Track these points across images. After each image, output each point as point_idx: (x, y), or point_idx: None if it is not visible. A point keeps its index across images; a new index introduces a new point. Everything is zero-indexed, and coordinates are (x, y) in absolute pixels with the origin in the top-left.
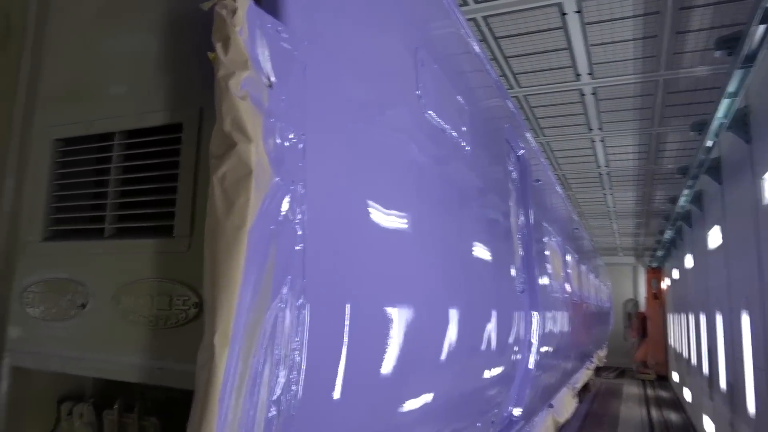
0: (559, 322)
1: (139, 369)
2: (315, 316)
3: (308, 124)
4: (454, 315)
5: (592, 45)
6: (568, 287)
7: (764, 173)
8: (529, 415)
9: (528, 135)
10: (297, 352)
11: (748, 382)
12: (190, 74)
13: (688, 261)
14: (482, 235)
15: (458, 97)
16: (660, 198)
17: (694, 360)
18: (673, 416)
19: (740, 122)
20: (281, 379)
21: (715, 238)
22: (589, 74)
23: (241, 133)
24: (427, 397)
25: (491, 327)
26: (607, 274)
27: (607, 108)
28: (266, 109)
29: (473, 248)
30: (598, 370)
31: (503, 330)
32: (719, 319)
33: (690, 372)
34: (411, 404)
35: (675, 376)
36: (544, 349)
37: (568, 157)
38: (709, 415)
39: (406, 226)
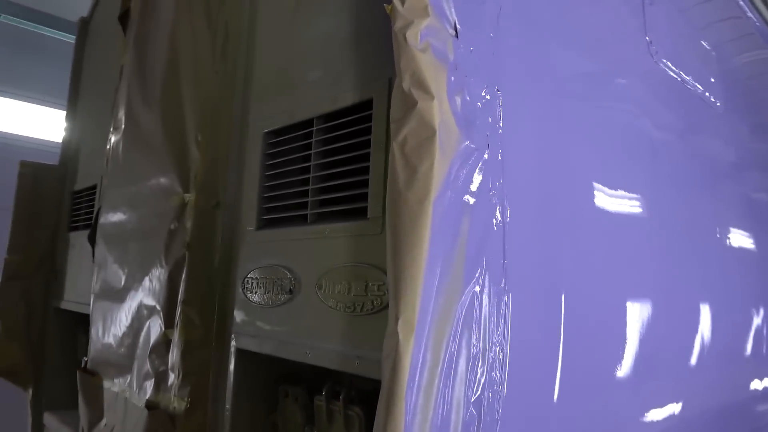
0: None
1: (341, 357)
2: (519, 306)
3: (506, 80)
4: (699, 314)
5: None
6: None
7: None
8: None
9: None
10: (499, 347)
11: None
12: (377, 46)
13: None
14: (740, 220)
15: (703, 42)
16: None
17: None
18: None
19: None
20: (481, 377)
21: None
22: None
23: (422, 90)
24: (665, 410)
25: (755, 329)
26: None
27: None
28: (452, 61)
29: (727, 236)
30: None
31: None
32: None
33: None
34: (643, 417)
35: None
36: None
37: None
38: None
39: (634, 207)
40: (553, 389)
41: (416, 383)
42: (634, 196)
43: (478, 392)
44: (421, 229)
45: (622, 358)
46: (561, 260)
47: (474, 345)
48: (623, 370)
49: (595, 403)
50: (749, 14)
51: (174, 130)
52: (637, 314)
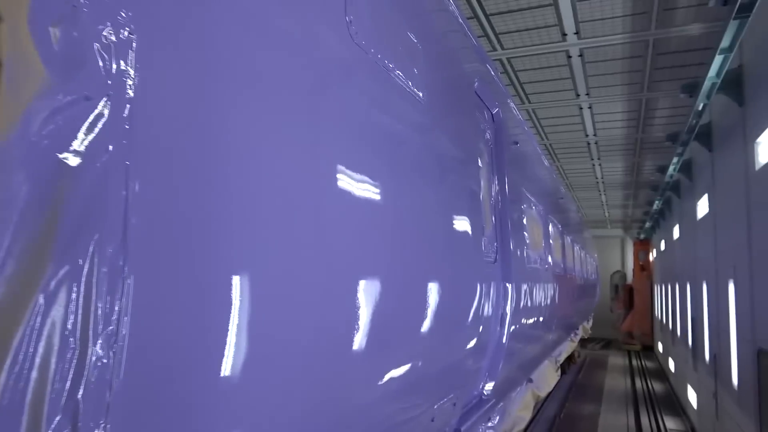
0: (539, 293)
1: None
2: (150, 287)
3: (151, 24)
4: (403, 287)
5: (579, 0)
6: (549, 258)
7: (757, 137)
8: (504, 391)
9: (504, 89)
10: (112, 336)
11: (732, 353)
12: None
13: (676, 232)
14: (440, 200)
15: (409, 34)
16: (649, 168)
17: (679, 331)
18: (658, 386)
19: (733, 83)
20: (81, 367)
21: (703, 207)
22: (576, 33)
23: None
24: (374, 379)
25: (455, 300)
26: (594, 247)
27: (594, 71)
28: None
29: (428, 214)
30: (584, 342)
31: (470, 303)
32: (705, 290)
33: (675, 343)
34: (351, 390)
35: (660, 347)
36: (519, 322)
37: (556, 125)
38: (692, 386)
39: (311, 184)
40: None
41: None
42: (315, 173)
43: (79, 382)
44: None
45: (330, 335)
46: (226, 240)
47: (68, 334)
48: (331, 346)
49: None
50: (452, 8)
51: None
52: (334, 293)
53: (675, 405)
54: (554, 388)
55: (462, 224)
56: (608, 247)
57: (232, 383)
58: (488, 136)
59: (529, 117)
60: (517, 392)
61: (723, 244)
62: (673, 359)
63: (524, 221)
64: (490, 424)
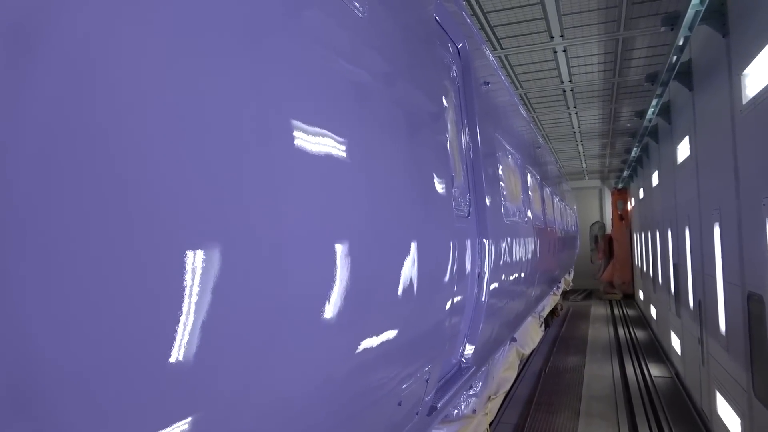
0: (518, 248)
1: None
2: None
3: None
4: (360, 248)
5: None
6: (528, 211)
7: (743, 69)
8: (486, 355)
9: (470, 21)
10: None
11: (719, 298)
12: None
13: (655, 178)
14: (396, 146)
15: None
16: (626, 114)
17: (660, 278)
18: (640, 334)
19: (717, 13)
20: None
21: (684, 151)
22: None
23: None
24: (336, 348)
25: (421, 262)
26: (573, 198)
27: (569, 9)
28: None
29: (381, 163)
30: (566, 294)
31: (439, 264)
32: (687, 236)
33: (656, 290)
34: (293, 371)
35: (641, 295)
36: (499, 279)
37: (530, 72)
38: (675, 332)
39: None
40: None
41: None
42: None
43: None
44: None
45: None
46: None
47: None
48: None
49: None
50: None
51: None
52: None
53: (658, 352)
54: (538, 345)
55: (425, 173)
56: (587, 198)
57: (185, 360)
58: (454, 74)
59: (502, 64)
60: (500, 353)
61: (706, 187)
62: (654, 306)
63: (500, 172)
64: (472, 392)
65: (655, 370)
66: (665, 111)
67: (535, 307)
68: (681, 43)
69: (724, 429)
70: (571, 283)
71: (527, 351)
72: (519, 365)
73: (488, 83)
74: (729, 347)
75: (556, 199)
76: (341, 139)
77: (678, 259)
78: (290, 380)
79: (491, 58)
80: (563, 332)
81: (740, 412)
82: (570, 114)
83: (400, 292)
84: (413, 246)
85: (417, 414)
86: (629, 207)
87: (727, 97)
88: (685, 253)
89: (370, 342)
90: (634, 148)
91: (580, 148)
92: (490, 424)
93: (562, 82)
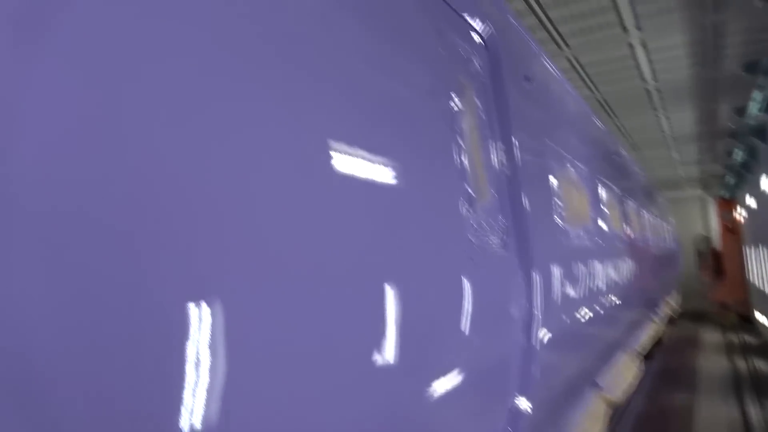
0: (588, 278)
1: None
2: None
3: None
4: (340, 303)
5: None
6: (603, 232)
7: None
8: (553, 404)
9: (504, 5)
10: None
11: None
12: None
13: (766, 183)
14: (391, 163)
15: None
16: (726, 112)
17: None
18: (764, 366)
19: None
20: None
21: None
22: None
23: None
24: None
25: (428, 309)
26: (669, 211)
27: None
28: None
29: (354, 188)
30: (672, 320)
31: (447, 318)
32: None
33: None
34: None
35: (760, 317)
36: (558, 319)
37: (605, 73)
38: None
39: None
40: None
41: None
42: None
43: None
44: None
45: None
46: None
47: None
48: None
49: None
50: None
51: None
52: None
53: None
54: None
55: (435, 200)
56: (686, 209)
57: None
58: (477, 68)
59: (571, 65)
60: (576, 407)
61: None
62: None
63: (557, 188)
64: None
65: None
66: None
67: (627, 341)
68: None
69: None
70: (677, 308)
71: (618, 395)
72: (607, 414)
73: (530, 78)
74: None
75: (645, 214)
76: (319, 146)
77: None
78: None
79: (534, 45)
80: (668, 363)
81: None
82: (658, 117)
83: (425, 345)
84: (428, 293)
85: None
86: (738, 218)
87: None
88: None
89: (404, 391)
90: (737, 150)
91: (674, 154)
92: None
93: (644, 80)
